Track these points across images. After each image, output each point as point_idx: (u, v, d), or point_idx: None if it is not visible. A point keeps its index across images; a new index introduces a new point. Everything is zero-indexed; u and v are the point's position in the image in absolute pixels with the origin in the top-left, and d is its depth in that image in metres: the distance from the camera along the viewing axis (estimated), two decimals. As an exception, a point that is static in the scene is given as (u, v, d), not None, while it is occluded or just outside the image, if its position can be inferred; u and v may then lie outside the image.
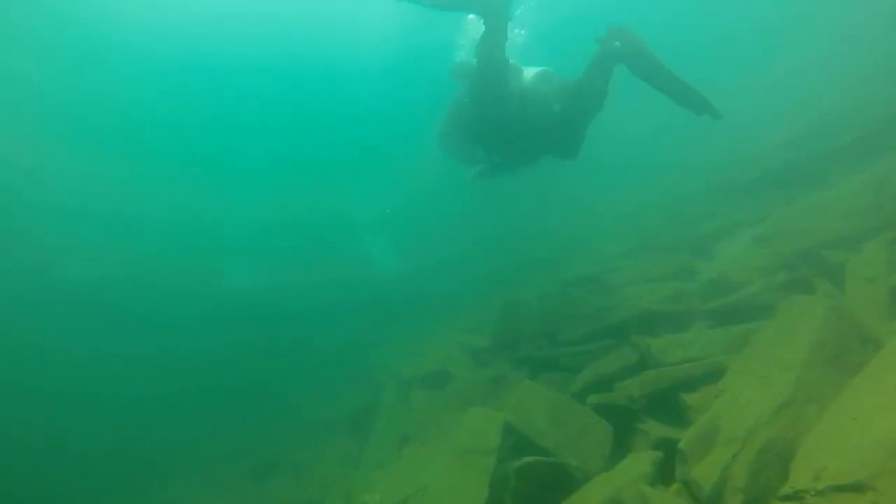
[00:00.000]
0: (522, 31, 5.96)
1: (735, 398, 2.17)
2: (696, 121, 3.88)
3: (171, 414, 9.57)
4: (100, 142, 14.62)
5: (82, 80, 13.18)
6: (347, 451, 4.76)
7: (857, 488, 1.38)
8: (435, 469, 3.04)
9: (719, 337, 3.11)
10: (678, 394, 2.74)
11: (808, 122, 6.62)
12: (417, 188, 15.88)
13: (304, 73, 16.47)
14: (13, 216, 13.70)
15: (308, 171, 17.64)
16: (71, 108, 13.51)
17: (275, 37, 14.77)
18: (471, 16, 4.65)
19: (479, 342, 5.11)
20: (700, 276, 4.22)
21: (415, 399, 4.69)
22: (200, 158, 16.98)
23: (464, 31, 5.05)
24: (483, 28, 3.62)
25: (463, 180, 4.62)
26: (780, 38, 12.91)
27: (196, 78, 15.43)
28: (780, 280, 3.46)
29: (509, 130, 3.89)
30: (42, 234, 14.28)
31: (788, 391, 2.05)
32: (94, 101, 13.88)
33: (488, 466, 2.74)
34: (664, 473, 2.21)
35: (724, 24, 15.84)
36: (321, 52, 15.70)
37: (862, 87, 6.76)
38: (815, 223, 4.04)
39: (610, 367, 3.35)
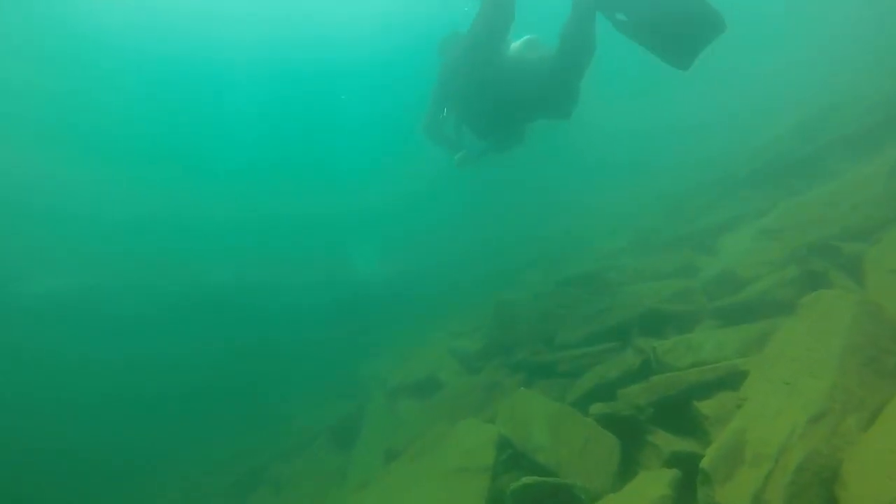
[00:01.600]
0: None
1: (761, 408, 1.90)
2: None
3: (153, 420, 9.30)
4: (80, 144, 14.20)
5: (56, 80, 12.71)
6: (331, 465, 4.45)
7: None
8: (423, 489, 2.76)
9: (731, 337, 2.85)
10: (690, 402, 2.46)
11: (809, 115, 6.45)
12: (415, 188, 15.64)
13: (290, 70, 16.13)
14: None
15: (296, 171, 17.33)
16: (48, 109, 13.06)
17: (260, 34, 14.44)
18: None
19: (472, 346, 4.83)
20: (705, 273, 3.98)
21: (402, 409, 4.40)
22: (183, 157, 16.60)
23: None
24: None
25: (461, 181, 4.41)
26: (780, 31, 12.81)
27: (177, 76, 15.04)
28: (792, 274, 3.19)
29: (499, 100, 3.62)
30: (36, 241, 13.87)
31: (822, 400, 1.79)
32: (72, 102, 13.44)
33: (482, 487, 2.47)
34: (683, 495, 1.94)
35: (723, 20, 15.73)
36: (309, 51, 15.38)
37: (863, 77, 6.60)
38: (823, 214, 3.82)
39: (612, 373, 3.09)
